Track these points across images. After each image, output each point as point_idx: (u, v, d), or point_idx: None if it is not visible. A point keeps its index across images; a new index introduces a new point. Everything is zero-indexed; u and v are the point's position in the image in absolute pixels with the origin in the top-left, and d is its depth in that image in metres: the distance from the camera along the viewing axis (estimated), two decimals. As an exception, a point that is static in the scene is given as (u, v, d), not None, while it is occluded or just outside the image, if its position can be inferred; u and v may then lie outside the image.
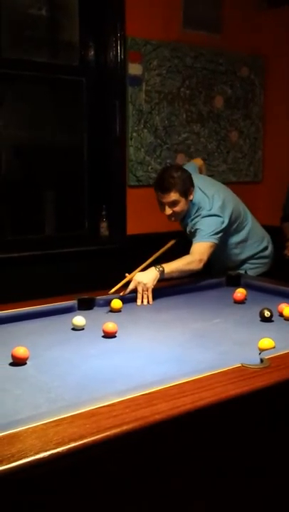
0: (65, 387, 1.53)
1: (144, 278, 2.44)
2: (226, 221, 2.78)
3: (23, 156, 3.55)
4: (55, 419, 1.25)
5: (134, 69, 3.68)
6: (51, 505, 1.17)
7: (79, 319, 2.07)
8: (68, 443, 1.15)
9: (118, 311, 2.29)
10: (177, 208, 2.73)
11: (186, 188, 2.72)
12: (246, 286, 2.61)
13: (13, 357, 1.69)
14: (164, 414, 1.30)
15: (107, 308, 2.29)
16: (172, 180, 2.69)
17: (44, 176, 3.66)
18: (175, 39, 3.84)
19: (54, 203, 3.73)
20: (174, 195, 2.69)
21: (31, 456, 1.10)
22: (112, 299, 2.31)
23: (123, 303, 2.33)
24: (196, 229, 2.76)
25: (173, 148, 3.93)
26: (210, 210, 2.76)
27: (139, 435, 1.26)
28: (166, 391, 1.42)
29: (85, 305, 2.30)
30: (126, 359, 1.77)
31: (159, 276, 2.48)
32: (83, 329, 2.05)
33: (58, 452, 1.13)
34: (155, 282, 2.47)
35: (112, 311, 2.29)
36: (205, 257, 2.66)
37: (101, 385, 1.53)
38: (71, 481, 1.19)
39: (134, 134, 3.73)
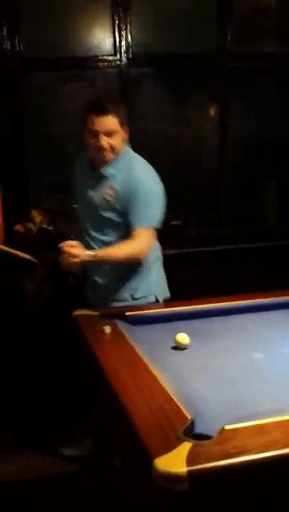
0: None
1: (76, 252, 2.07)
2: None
3: (250, 148, 3.56)
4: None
5: None
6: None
7: (183, 336, 1.83)
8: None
9: None
10: (113, 141, 2.15)
11: (125, 120, 2.18)
12: None
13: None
14: None
15: None
16: (113, 104, 2.16)
17: (268, 167, 3.63)
18: None
19: (276, 194, 3.69)
20: (112, 121, 2.12)
21: (278, 449, 1.13)
22: None
23: None
24: (135, 206, 2.17)
25: None
26: (146, 178, 2.19)
27: None
28: None
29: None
30: None
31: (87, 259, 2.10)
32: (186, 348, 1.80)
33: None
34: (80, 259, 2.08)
35: None
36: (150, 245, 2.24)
37: None
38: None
39: None
